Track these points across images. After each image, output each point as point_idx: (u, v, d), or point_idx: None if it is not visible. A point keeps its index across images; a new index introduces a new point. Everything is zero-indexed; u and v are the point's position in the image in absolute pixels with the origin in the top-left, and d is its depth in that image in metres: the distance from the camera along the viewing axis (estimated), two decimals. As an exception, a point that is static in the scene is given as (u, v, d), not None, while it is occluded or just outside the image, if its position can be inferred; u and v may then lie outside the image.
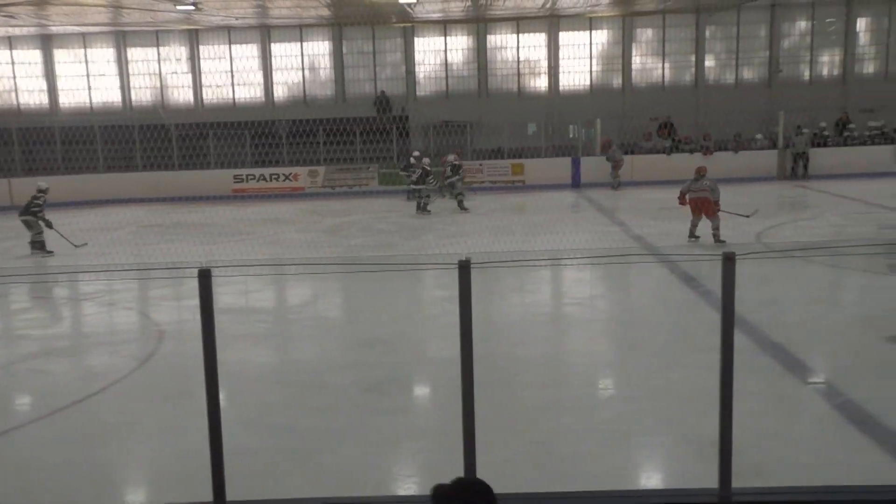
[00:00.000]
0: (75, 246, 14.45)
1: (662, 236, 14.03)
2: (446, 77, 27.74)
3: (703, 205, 13.12)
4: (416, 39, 27.47)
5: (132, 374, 7.71)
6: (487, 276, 10.80)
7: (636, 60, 27.69)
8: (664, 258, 11.99)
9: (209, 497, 3.94)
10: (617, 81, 27.74)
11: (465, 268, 2.98)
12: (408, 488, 5.31)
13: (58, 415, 6.72)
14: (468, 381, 3.05)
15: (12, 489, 5.34)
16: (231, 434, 5.70)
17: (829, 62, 27.72)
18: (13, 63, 27.36)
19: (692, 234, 13.42)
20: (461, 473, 4.32)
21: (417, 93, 27.63)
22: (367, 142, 24.60)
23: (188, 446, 5.85)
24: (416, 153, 21.27)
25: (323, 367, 7.86)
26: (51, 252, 14.38)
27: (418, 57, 27.60)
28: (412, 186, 19.52)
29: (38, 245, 14.43)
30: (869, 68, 27.62)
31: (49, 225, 14.47)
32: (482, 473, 3.20)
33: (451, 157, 20.06)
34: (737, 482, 3.76)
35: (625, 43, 27.46)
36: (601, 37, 27.64)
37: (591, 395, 6.84)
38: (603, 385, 7.18)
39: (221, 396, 6.85)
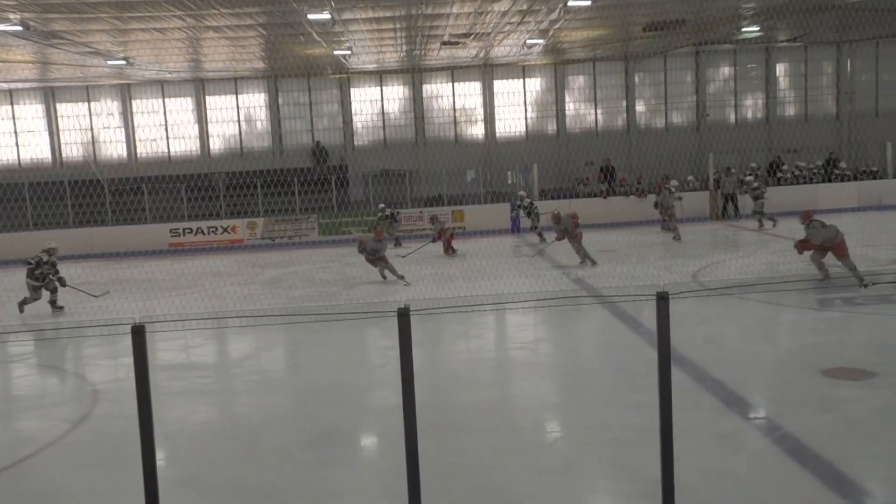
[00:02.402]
0: (95, 296, 14.38)
1: (602, 278, 14.25)
2: (384, 126, 27.98)
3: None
4: (352, 90, 27.71)
5: (65, 438, 7.42)
6: (432, 324, 10.80)
7: (569, 107, 28.41)
8: (604, 300, 12.15)
9: None
10: (551, 127, 28.37)
11: (404, 315, 2.98)
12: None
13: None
14: (411, 427, 3.02)
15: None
16: (171, 494, 5.53)
17: (752, 105, 28.92)
18: (-63, 121, 26.67)
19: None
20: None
21: (355, 142, 27.78)
22: (307, 192, 24.54)
23: (125, 511, 5.65)
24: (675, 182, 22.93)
25: (265, 421, 7.69)
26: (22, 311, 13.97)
27: (355, 107, 27.83)
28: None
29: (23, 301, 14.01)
30: (790, 111, 28.88)
31: (63, 283, 14.16)
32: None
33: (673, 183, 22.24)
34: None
35: (558, 90, 28.17)
36: (535, 84, 28.32)
37: (536, 438, 6.84)
38: (549, 428, 7.18)
39: (161, 456, 6.67)
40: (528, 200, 21.46)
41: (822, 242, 12.15)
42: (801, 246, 12.48)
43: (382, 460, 6.61)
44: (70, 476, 6.55)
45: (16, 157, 27.09)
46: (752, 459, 6.03)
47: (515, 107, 28.26)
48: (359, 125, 27.88)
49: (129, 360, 10.07)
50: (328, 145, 27.44)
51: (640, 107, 28.64)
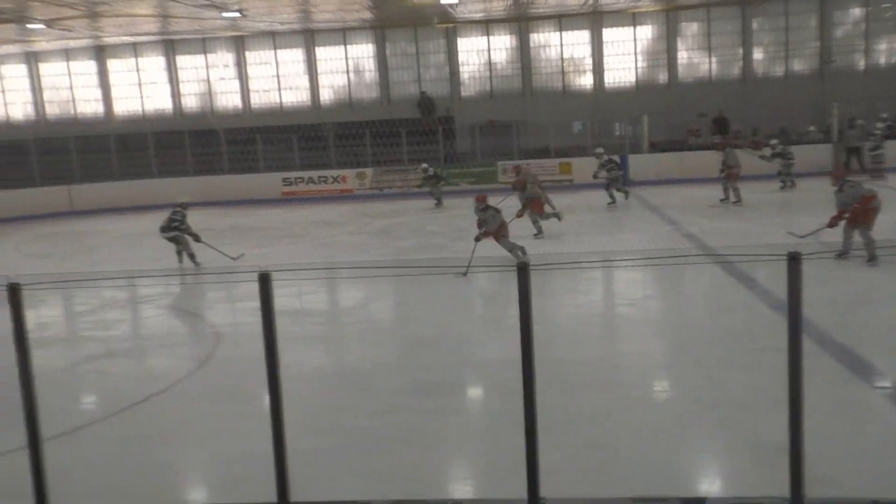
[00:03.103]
0: (233, 259, 13.52)
1: (715, 235, 13.82)
2: (490, 77, 27.73)
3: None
4: (458, 39, 27.51)
5: (191, 376, 7.85)
6: (538, 278, 10.76)
7: (682, 55, 27.36)
8: (719, 258, 11.81)
9: (271, 497, 3.96)
10: (663, 77, 27.44)
11: (523, 270, 2.99)
12: (465, 491, 5.32)
13: (120, 415, 6.86)
14: (529, 383, 3.05)
15: (77, 487, 5.46)
16: (288, 434, 5.76)
17: (886, 50, 27.01)
18: (70, 74, 28.14)
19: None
20: (519, 475, 4.32)
21: (462, 93, 27.66)
22: (414, 143, 24.71)
23: (247, 447, 5.94)
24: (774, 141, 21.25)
25: (376, 369, 7.91)
26: (198, 263, 13.62)
27: (462, 57, 27.64)
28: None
29: (191, 257, 13.70)
30: (927, 56, 26.87)
31: (196, 238, 13.67)
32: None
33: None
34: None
35: (669, 38, 27.15)
36: (645, 32, 27.38)
37: (647, 397, 6.77)
38: (659, 387, 7.10)
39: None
40: (607, 157, 19.54)
41: (865, 195, 10.73)
42: (835, 219, 10.99)
43: (491, 412, 6.70)
44: (198, 411, 6.95)
45: (140, 107, 28.34)
46: (879, 430, 5.79)
47: (625, 56, 27.43)
48: (465, 75, 27.73)
49: (247, 304, 10.49)
50: (435, 96, 27.46)
51: (757, 54, 27.27)
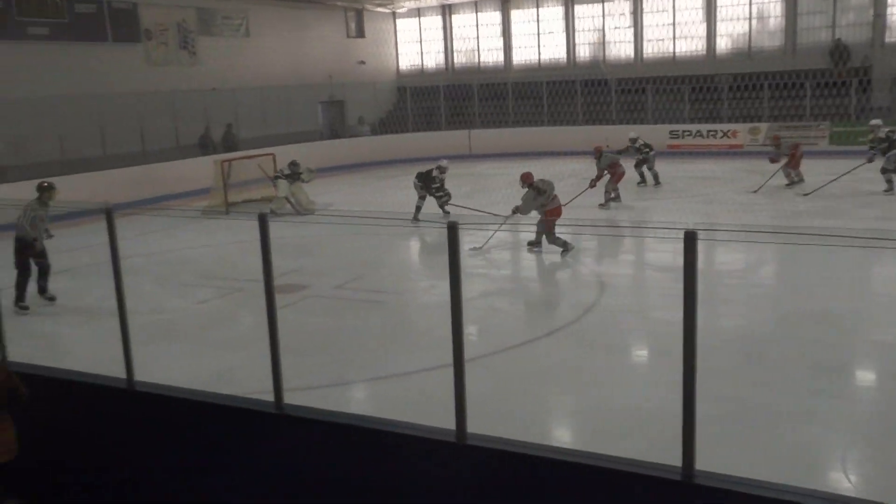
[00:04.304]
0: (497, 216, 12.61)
1: None
2: (928, 17, 23.95)
3: None
4: (889, -25, 24.11)
5: (576, 322, 8.19)
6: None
7: None
8: None
9: (669, 459, 3.76)
10: None
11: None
12: (860, 489, 4.89)
13: (509, 352, 7.40)
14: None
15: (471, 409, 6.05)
16: (664, 395, 5.80)
17: None
18: (477, 25, 30.38)
19: None
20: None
21: (885, 39, 24.33)
22: (819, 96, 22.51)
23: (627, 400, 6.09)
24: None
25: (764, 338, 7.54)
26: (417, 220, 13.81)
27: (892, -3, 24.19)
28: None
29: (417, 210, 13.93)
30: None
31: (444, 202, 14.06)
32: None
33: None
34: None
35: None
36: None
37: None
38: None
39: (656, 356, 7.01)
40: (886, 130, 14.94)
41: None
42: None
43: (888, 402, 6.06)
44: (581, 357, 7.26)
45: (536, 57, 29.65)
46: None
47: None
48: (893, 18, 24.27)
49: (628, 257, 10.55)
50: (851, 43, 24.53)
51: None
